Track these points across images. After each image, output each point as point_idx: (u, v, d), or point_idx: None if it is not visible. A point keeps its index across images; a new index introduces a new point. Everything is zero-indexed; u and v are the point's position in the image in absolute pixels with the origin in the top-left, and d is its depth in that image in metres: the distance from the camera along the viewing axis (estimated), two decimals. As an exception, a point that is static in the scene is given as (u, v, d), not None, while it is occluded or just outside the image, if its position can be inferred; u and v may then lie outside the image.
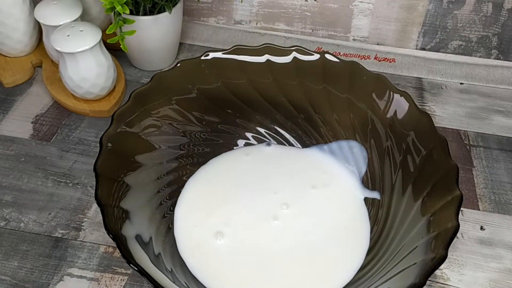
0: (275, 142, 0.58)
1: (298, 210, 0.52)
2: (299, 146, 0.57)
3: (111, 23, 0.56)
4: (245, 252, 0.48)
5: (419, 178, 0.48)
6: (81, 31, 0.58)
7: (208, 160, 0.56)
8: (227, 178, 0.54)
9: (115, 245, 0.39)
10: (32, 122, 0.61)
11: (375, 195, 0.52)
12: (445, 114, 0.65)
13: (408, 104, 0.50)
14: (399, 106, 0.51)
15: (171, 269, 0.44)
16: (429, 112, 0.63)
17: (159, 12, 0.62)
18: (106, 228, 0.40)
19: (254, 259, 0.48)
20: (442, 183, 0.44)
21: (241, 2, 0.73)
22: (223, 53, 0.54)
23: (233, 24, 0.76)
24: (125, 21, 0.56)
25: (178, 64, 0.52)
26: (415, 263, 0.40)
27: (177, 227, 0.50)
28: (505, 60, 0.72)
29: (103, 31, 0.59)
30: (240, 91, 0.55)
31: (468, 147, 0.61)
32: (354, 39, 0.74)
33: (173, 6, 0.62)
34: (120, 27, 0.55)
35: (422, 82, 0.69)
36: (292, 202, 0.52)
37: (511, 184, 0.57)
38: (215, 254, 0.48)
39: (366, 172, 0.54)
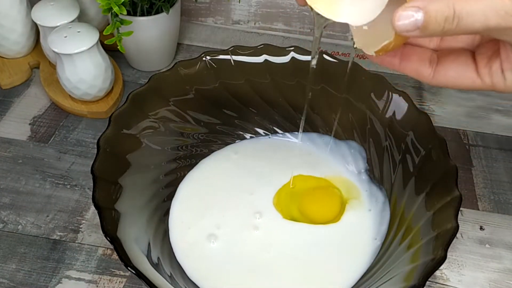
0: (274, 143, 0.58)
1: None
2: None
3: (109, 24, 0.56)
4: (242, 254, 0.48)
5: (418, 178, 0.47)
6: (79, 32, 0.58)
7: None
8: (219, 178, 0.54)
9: (113, 247, 0.39)
10: (29, 124, 0.61)
11: (374, 195, 0.52)
12: (444, 114, 0.65)
13: (407, 104, 0.50)
14: (398, 106, 0.50)
15: (170, 273, 0.44)
16: (428, 112, 0.63)
17: (156, 13, 0.62)
18: (103, 231, 0.40)
19: (251, 262, 0.47)
20: (441, 184, 0.44)
21: (239, 2, 0.72)
22: (221, 54, 0.53)
23: (231, 24, 0.75)
24: (122, 22, 0.55)
25: (176, 65, 0.52)
26: (414, 265, 0.40)
27: (172, 230, 0.50)
28: (504, 59, 0.71)
29: (101, 32, 0.59)
30: (238, 91, 0.55)
31: (467, 146, 0.61)
32: (352, 39, 0.74)
33: (171, 6, 0.62)
34: (118, 28, 0.55)
35: (421, 82, 0.69)
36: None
37: (511, 183, 0.57)
38: (211, 257, 0.48)
39: (366, 171, 0.54)
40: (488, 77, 0.34)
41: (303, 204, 0.51)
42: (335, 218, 0.50)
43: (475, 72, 0.34)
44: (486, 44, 0.35)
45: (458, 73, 0.34)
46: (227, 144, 0.57)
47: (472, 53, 0.35)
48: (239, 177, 0.54)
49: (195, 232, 0.49)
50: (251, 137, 0.57)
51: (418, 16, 0.29)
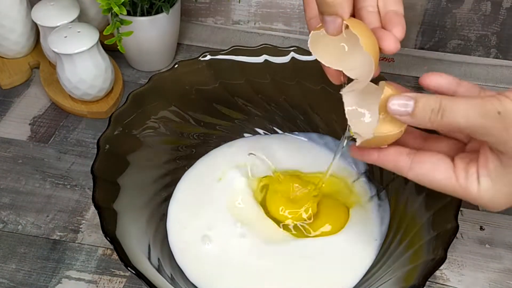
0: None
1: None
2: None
3: (109, 24, 0.56)
4: (237, 257, 0.47)
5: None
6: (79, 32, 0.58)
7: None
8: (215, 177, 0.53)
9: (113, 247, 0.39)
10: (29, 124, 0.61)
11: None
12: (444, 114, 0.64)
13: (407, 104, 0.50)
14: (398, 106, 0.50)
15: (171, 274, 0.44)
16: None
17: (156, 13, 0.62)
18: (103, 231, 0.40)
19: (249, 264, 0.47)
20: (442, 184, 0.44)
21: (239, 2, 0.72)
22: (221, 54, 0.53)
23: (231, 24, 0.75)
24: (122, 22, 0.55)
25: (176, 65, 0.52)
26: (414, 265, 0.40)
27: (170, 230, 0.49)
28: (504, 59, 0.71)
29: (101, 32, 0.59)
30: (238, 91, 0.55)
31: (467, 146, 0.61)
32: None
33: (171, 6, 0.62)
34: (118, 28, 0.55)
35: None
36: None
37: (511, 183, 0.57)
38: (207, 258, 0.47)
39: (366, 171, 0.54)
40: (463, 179, 0.36)
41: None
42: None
43: (452, 170, 0.36)
44: (466, 152, 0.38)
45: (434, 166, 0.36)
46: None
47: (452, 157, 0.37)
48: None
49: (191, 233, 0.49)
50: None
51: (409, 103, 0.34)
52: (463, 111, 0.33)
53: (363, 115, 0.40)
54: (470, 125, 0.33)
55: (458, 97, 0.34)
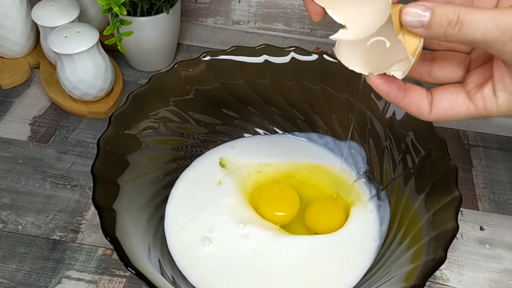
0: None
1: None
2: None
3: (109, 24, 0.56)
4: (238, 259, 0.47)
5: (418, 178, 0.47)
6: (79, 32, 0.58)
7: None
8: (211, 178, 0.54)
9: (113, 248, 0.39)
10: (29, 124, 0.61)
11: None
12: (444, 114, 0.64)
13: (407, 104, 0.50)
14: (398, 106, 0.50)
15: (172, 275, 0.44)
16: (428, 112, 0.63)
17: (156, 13, 0.62)
18: (103, 231, 0.40)
19: (248, 267, 0.47)
20: (441, 184, 0.44)
21: (239, 2, 0.72)
22: (221, 54, 0.53)
23: (231, 25, 0.76)
24: (122, 22, 0.55)
25: (176, 65, 0.52)
26: (414, 265, 0.40)
27: (168, 231, 0.49)
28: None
29: (101, 32, 0.59)
30: (238, 91, 0.55)
31: (467, 147, 0.61)
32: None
33: (171, 6, 0.62)
34: (118, 28, 0.55)
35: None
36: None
37: (511, 183, 0.57)
38: (207, 260, 0.47)
39: (366, 171, 0.54)
40: (480, 101, 0.35)
41: (307, 216, 0.51)
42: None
43: (467, 99, 0.35)
44: (477, 73, 0.37)
45: (451, 103, 0.36)
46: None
47: (462, 85, 0.37)
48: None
49: (190, 234, 0.49)
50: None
51: (426, 15, 0.31)
52: (481, 24, 0.31)
53: (382, 46, 0.35)
54: (487, 39, 0.31)
55: (476, 10, 0.31)
